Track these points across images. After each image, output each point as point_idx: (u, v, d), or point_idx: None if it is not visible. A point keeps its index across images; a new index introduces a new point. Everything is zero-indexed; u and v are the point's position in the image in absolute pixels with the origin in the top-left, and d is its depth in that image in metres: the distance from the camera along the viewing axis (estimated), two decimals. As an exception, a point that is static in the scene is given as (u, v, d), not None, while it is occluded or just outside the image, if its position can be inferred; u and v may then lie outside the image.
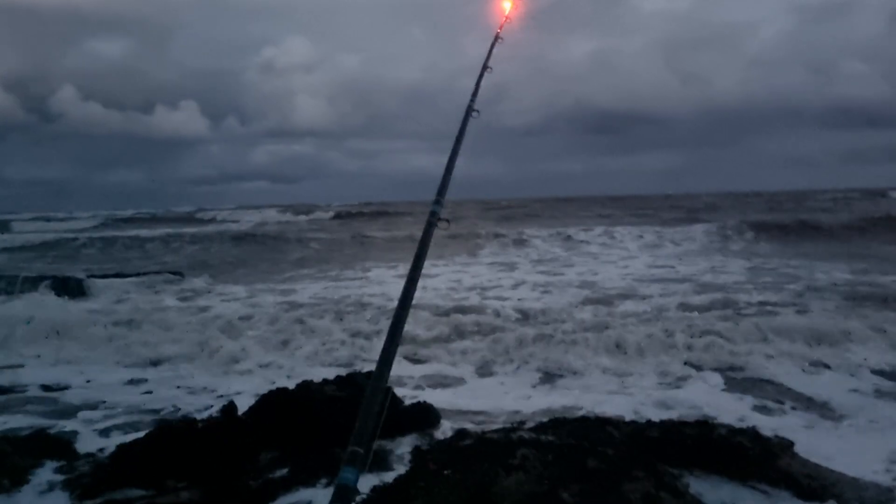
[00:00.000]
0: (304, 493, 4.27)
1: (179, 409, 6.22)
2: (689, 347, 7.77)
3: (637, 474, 3.98)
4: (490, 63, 2.75)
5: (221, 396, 6.37)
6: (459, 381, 7.09)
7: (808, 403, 5.98)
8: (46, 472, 4.67)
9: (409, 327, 8.07)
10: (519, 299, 11.23)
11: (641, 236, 22.99)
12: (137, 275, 15.21)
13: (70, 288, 13.27)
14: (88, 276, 14.45)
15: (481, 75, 2.56)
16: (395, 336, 1.56)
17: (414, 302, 1.69)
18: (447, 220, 1.92)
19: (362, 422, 1.39)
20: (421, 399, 5.88)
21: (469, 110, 2.36)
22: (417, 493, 3.87)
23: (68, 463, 4.85)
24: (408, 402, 5.74)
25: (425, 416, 5.49)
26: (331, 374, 6.10)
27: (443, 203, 1.98)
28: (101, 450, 5.09)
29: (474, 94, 2.45)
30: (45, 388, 7.05)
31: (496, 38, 2.77)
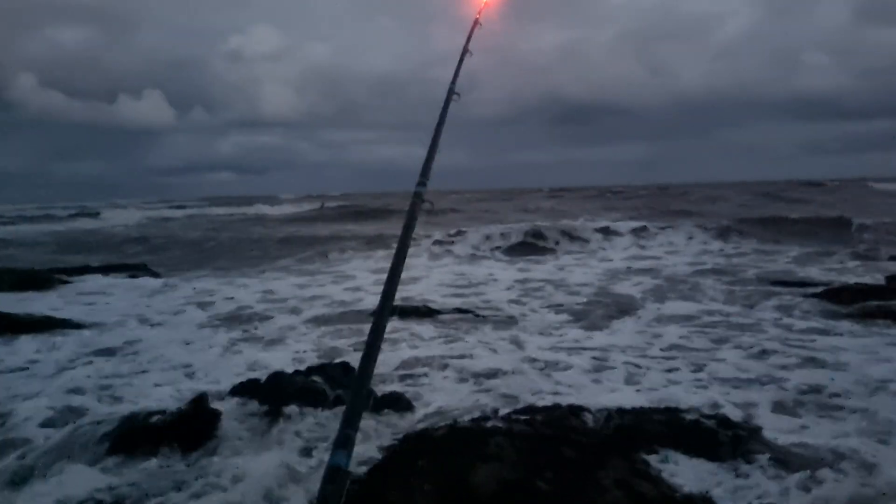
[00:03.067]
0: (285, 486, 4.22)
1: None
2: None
3: (611, 462, 4.02)
4: (469, 50, 2.72)
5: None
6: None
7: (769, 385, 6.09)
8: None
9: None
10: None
11: (622, 233, 21.78)
12: None
13: None
14: None
15: (462, 58, 2.54)
16: (383, 314, 1.54)
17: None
18: (430, 202, 1.91)
19: (352, 405, 1.37)
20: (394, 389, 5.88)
21: (450, 93, 2.34)
22: (392, 484, 3.86)
23: (30, 459, 4.72)
24: (379, 391, 5.73)
25: (397, 405, 5.47)
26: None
27: (426, 185, 1.97)
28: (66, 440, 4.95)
29: (455, 76, 2.43)
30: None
31: (476, 21, 2.75)
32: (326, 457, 1.34)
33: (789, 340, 7.72)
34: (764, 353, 7.17)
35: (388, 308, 1.57)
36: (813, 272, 13.74)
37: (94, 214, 47.83)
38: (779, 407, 5.51)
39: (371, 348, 1.48)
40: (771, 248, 17.61)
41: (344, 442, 1.32)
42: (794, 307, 9.77)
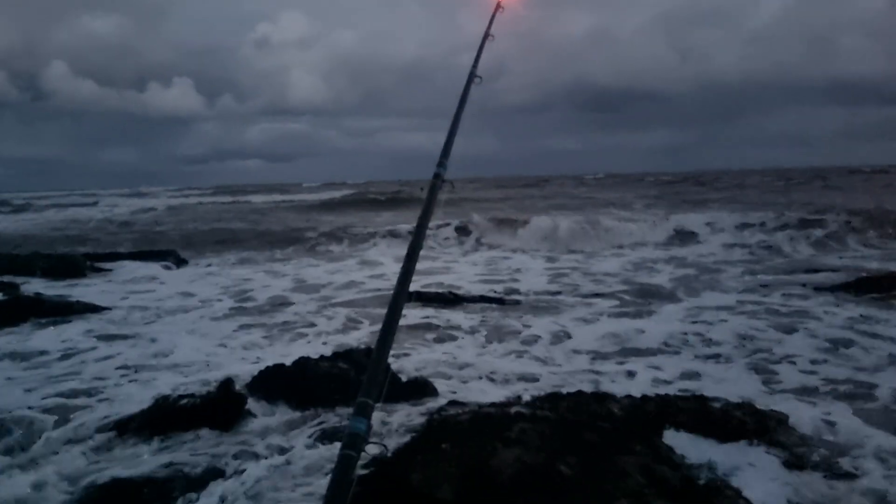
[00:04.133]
0: (306, 459, 4.31)
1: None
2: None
3: (634, 448, 4.02)
4: (491, 34, 2.73)
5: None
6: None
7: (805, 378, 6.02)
8: (45, 447, 4.70)
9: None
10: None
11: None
12: None
13: None
14: None
15: (483, 42, 2.56)
16: (401, 290, 1.58)
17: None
18: (451, 183, 1.93)
19: (371, 374, 1.41)
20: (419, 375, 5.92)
21: (471, 76, 2.36)
22: (415, 465, 3.90)
23: (67, 436, 4.87)
24: (405, 377, 5.78)
25: (422, 391, 5.52)
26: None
27: (446, 165, 1.99)
28: (101, 422, 5.10)
29: (476, 59, 2.45)
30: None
31: (498, 5, 2.76)
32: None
33: (845, 329, 7.63)
34: (831, 346, 7.04)
35: (406, 284, 1.61)
36: (854, 260, 13.54)
37: (93, 204, 46.95)
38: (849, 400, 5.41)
39: (389, 322, 1.52)
40: (807, 236, 17.17)
41: (362, 410, 1.37)
42: (837, 295, 9.64)
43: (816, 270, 12.08)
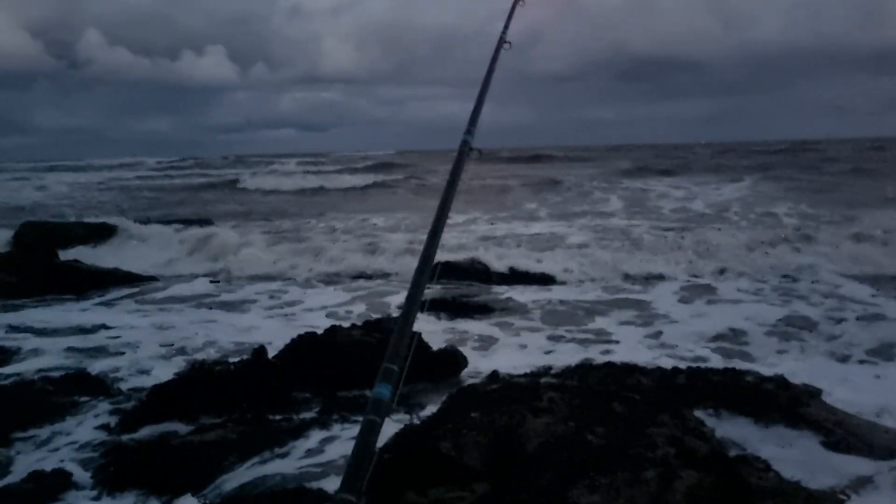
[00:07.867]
0: (335, 430, 4.37)
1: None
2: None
3: (663, 419, 4.01)
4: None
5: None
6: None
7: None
8: (84, 411, 4.83)
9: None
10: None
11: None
12: None
13: None
14: None
15: (514, 6, 2.51)
16: (427, 258, 1.57)
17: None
18: (479, 151, 1.91)
19: (396, 340, 1.42)
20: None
21: (501, 41, 2.32)
22: (445, 433, 3.93)
23: (106, 402, 5.01)
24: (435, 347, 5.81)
25: (452, 360, 5.55)
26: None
27: (474, 133, 1.97)
28: (137, 389, 5.23)
29: (506, 24, 2.40)
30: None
31: (528, -30, 2.69)
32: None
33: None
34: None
35: (433, 251, 1.60)
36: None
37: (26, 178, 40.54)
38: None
39: (415, 291, 1.52)
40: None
41: (387, 375, 1.37)
42: None
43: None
